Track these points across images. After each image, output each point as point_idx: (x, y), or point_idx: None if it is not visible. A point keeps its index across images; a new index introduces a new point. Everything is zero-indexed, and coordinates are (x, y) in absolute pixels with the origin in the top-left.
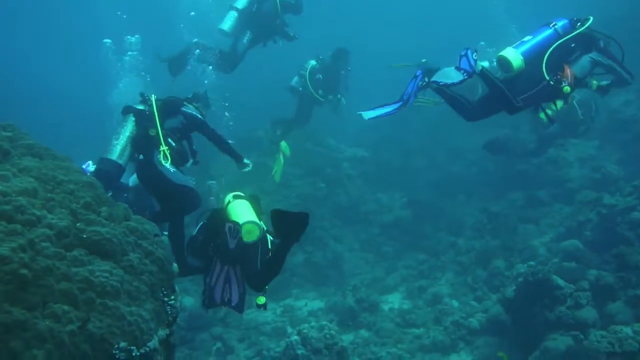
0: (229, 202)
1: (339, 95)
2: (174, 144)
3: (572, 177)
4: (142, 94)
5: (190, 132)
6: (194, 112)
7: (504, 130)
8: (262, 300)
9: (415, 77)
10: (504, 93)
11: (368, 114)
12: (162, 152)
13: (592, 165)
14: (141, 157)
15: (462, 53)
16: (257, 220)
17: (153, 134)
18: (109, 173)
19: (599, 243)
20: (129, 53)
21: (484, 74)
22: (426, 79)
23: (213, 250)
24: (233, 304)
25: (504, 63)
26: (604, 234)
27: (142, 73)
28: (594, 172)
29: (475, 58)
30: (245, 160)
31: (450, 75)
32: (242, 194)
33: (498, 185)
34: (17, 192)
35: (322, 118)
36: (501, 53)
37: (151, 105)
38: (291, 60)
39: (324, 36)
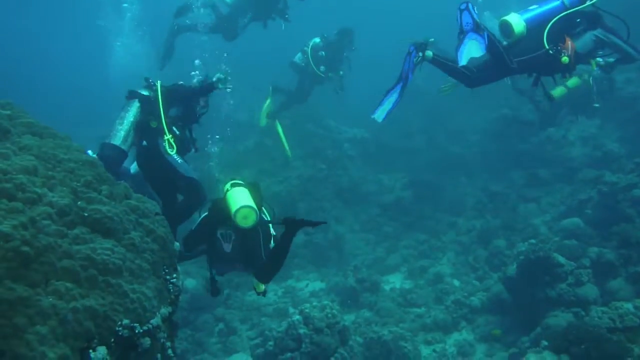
0: (227, 190)
1: (340, 72)
2: (177, 132)
3: (573, 156)
4: (146, 79)
5: (195, 117)
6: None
7: (503, 110)
8: (261, 287)
9: (409, 53)
10: (500, 52)
11: (380, 115)
12: (167, 141)
13: (593, 144)
14: (144, 143)
15: (462, 7)
16: (253, 204)
17: (154, 126)
18: (111, 158)
19: (600, 221)
20: (125, 5)
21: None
22: (420, 54)
23: (211, 255)
24: (242, 270)
25: (506, 28)
26: (605, 211)
27: (141, 32)
28: (595, 151)
29: (477, 12)
30: (215, 78)
31: (473, 51)
32: (241, 182)
33: (498, 165)
34: (17, 170)
35: (323, 99)
36: (504, 18)
37: (156, 92)
38: (290, 45)
39: (328, 19)
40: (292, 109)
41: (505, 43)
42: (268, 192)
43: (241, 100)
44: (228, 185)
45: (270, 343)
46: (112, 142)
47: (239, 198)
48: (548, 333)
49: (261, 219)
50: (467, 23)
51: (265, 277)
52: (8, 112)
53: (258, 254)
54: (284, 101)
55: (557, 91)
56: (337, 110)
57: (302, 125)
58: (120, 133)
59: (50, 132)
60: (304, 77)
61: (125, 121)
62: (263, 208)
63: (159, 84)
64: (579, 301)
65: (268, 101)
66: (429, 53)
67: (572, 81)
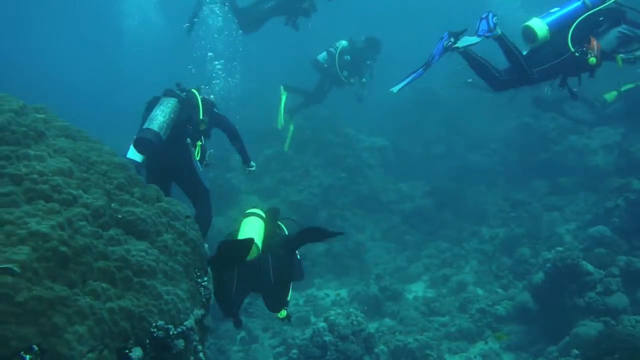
0: (241, 221)
1: (363, 79)
2: (203, 142)
3: (597, 164)
4: (178, 84)
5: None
6: (223, 114)
7: (524, 119)
8: (283, 314)
9: (441, 38)
10: (519, 62)
11: (396, 87)
12: (198, 146)
13: (618, 152)
14: (182, 140)
15: (483, 16)
16: (254, 237)
17: (202, 128)
18: (151, 142)
19: (627, 229)
20: None
21: (501, 39)
22: (452, 40)
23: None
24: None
25: (528, 33)
26: (633, 219)
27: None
28: (620, 158)
29: (495, 21)
30: (252, 163)
31: (467, 40)
32: (256, 211)
33: (520, 173)
34: (53, 171)
35: (341, 107)
36: (526, 23)
37: (196, 99)
38: (308, 53)
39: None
40: (309, 111)
41: (528, 48)
42: (288, 201)
43: (258, 109)
44: (242, 217)
45: (294, 351)
46: (151, 127)
47: (244, 230)
48: (578, 342)
49: (272, 244)
50: (483, 30)
51: (272, 304)
52: (42, 115)
53: (266, 280)
54: (302, 101)
55: (610, 95)
56: (355, 118)
57: (321, 134)
58: (162, 123)
59: (82, 135)
60: (325, 77)
61: (166, 114)
62: (283, 227)
63: (197, 93)
64: (608, 310)
65: (283, 100)
66: (494, 33)
67: (626, 86)
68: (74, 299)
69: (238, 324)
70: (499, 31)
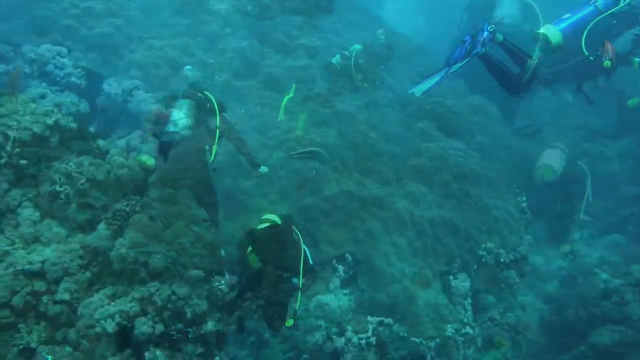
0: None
1: (377, 83)
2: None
3: (611, 172)
4: (193, 85)
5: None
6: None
7: (537, 124)
8: (290, 322)
9: (463, 42)
10: (525, 60)
11: (419, 90)
12: (214, 150)
13: (632, 160)
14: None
15: (479, 27)
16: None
17: (220, 135)
18: (172, 144)
19: None
20: None
21: (504, 44)
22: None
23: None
24: None
25: (542, 40)
26: None
27: None
28: (634, 167)
29: (490, 30)
30: (262, 168)
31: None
32: (271, 217)
33: (528, 181)
34: (75, 174)
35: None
36: (540, 30)
37: (212, 103)
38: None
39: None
40: (318, 116)
41: (540, 55)
42: (297, 206)
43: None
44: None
45: (305, 356)
46: (178, 131)
47: None
48: (593, 350)
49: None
50: (477, 42)
51: (272, 321)
52: (62, 119)
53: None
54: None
55: (633, 101)
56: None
57: (328, 138)
58: (185, 126)
59: (99, 137)
60: (338, 80)
61: (188, 117)
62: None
63: (214, 98)
64: (623, 319)
65: (289, 96)
66: (482, 49)
67: None
68: (97, 302)
69: (240, 329)
70: (500, 37)
